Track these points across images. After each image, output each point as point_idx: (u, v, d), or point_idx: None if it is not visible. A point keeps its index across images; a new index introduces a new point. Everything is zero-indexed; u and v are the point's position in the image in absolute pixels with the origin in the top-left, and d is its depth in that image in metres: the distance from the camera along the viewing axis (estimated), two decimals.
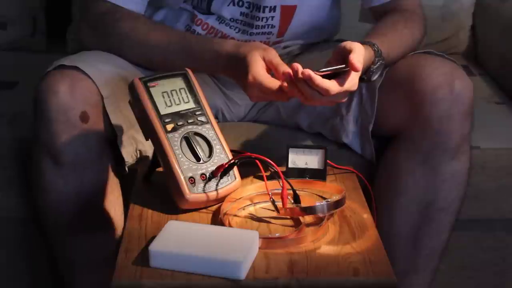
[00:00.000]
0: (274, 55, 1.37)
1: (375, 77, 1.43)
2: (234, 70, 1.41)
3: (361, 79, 1.41)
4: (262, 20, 1.59)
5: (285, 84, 1.32)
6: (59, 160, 1.42)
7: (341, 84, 1.30)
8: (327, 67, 1.30)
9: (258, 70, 1.35)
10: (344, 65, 1.30)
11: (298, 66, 1.28)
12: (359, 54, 1.31)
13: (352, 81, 1.31)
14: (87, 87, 1.41)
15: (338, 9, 1.71)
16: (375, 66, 1.42)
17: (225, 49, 1.43)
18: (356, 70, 1.30)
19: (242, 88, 1.40)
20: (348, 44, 1.34)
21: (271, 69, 1.36)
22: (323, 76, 1.28)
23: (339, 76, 1.31)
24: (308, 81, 1.27)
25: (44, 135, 1.41)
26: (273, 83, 1.34)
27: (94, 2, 1.53)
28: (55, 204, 1.46)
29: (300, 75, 1.27)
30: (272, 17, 1.59)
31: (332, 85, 1.29)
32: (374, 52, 1.42)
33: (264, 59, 1.36)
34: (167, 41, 1.48)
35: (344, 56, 1.32)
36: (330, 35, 1.74)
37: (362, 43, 1.39)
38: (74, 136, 1.39)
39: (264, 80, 1.34)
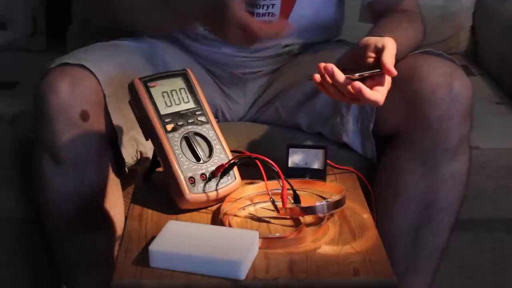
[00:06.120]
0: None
1: None
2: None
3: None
4: (262, 8, 1.58)
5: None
6: (59, 159, 1.42)
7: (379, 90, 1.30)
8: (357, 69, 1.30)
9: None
10: (378, 70, 1.30)
11: (332, 68, 1.27)
12: (391, 54, 1.31)
13: (388, 85, 1.31)
14: (88, 85, 1.40)
15: (342, 11, 1.71)
16: None
17: None
18: (391, 75, 1.29)
19: (222, 30, 1.37)
20: (380, 41, 1.33)
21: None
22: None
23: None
24: (339, 84, 1.27)
25: (44, 134, 1.41)
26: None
27: None
28: (55, 203, 1.46)
29: (336, 79, 1.27)
30: (273, 4, 1.59)
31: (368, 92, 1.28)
32: None
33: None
34: None
35: (373, 52, 1.33)
36: (331, 36, 1.73)
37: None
38: (74, 135, 1.39)
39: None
